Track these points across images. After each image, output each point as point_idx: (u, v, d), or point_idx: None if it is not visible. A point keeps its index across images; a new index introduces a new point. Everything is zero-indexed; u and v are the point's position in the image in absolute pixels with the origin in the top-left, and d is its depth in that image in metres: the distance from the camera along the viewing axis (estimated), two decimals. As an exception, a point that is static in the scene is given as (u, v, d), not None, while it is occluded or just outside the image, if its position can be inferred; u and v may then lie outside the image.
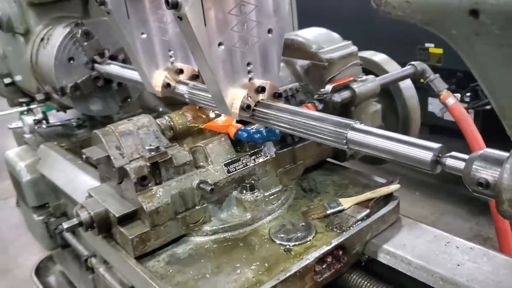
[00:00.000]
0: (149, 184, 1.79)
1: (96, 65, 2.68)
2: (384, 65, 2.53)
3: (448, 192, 5.17)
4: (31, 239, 3.89)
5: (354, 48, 2.21)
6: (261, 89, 1.68)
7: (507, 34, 0.82)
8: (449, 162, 1.19)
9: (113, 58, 2.73)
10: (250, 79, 1.70)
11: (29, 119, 3.18)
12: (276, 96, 1.73)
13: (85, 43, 2.64)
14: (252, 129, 1.93)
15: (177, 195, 1.80)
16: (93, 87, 2.72)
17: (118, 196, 1.92)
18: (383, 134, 1.35)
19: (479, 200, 4.94)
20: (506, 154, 1.06)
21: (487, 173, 1.08)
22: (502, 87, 0.96)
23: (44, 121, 3.25)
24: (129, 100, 2.91)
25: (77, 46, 2.67)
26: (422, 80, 2.53)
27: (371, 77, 2.19)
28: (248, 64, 1.68)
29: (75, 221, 1.86)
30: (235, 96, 1.67)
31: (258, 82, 1.70)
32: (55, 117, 3.54)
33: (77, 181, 2.70)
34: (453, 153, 1.19)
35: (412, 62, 2.36)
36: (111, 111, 2.97)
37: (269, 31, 1.69)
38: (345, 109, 2.18)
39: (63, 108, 3.16)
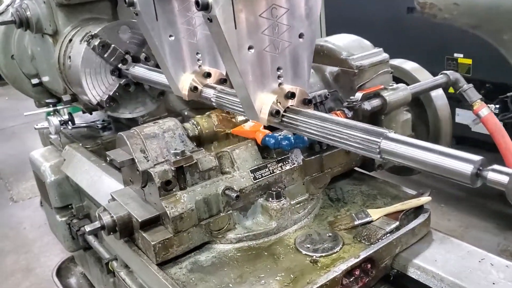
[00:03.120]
0: (173, 189, 1.76)
1: (123, 71, 2.67)
2: (415, 73, 2.46)
3: (475, 205, 5.03)
4: (54, 240, 3.91)
5: (385, 56, 2.16)
6: (291, 95, 1.64)
7: None
8: (491, 176, 1.12)
9: (135, 59, 2.72)
10: (280, 84, 1.65)
11: (55, 120, 3.18)
12: (306, 102, 1.68)
13: (105, 55, 2.63)
14: (279, 135, 1.88)
15: (201, 201, 1.77)
16: (126, 94, 2.74)
17: (141, 200, 1.89)
18: (419, 144, 1.29)
19: (507, 215, 4.82)
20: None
21: (534, 189, 1.01)
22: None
23: (69, 122, 3.25)
24: (163, 95, 2.91)
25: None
26: (451, 90, 2.45)
27: (402, 85, 2.12)
28: (278, 69, 1.64)
29: (97, 224, 1.83)
30: (264, 101, 1.63)
31: (287, 87, 1.65)
32: (81, 119, 3.55)
33: (101, 183, 2.69)
34: (496, 167, 1.12)
35: (445, 71, 2.28)
36: (151, 108, 2.97)
37: (301, 35, 1.64)
38: (375, 117, 2.12)
39: (89, 110, 3.16)
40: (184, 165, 1.75)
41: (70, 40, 2.80)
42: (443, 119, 2.39)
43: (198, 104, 3.74)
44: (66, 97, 3.04)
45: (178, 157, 1.74)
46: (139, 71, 2.58)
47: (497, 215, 4.80)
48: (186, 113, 3.82)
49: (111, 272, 2.53)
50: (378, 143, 1.34)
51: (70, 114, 3.33)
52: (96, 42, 2.62)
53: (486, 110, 2.26)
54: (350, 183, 2.21)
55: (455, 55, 5.08)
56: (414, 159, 1.28)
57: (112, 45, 2.64)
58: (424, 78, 2.41)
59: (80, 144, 3.17)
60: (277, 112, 1.62)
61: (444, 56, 5.13)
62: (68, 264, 4.02)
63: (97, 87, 2.71)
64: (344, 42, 2.20)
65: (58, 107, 3.44)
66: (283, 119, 1.64)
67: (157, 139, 1.83)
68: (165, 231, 1.76)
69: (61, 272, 3.98)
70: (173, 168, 1.74)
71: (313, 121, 1.54)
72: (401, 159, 1.31)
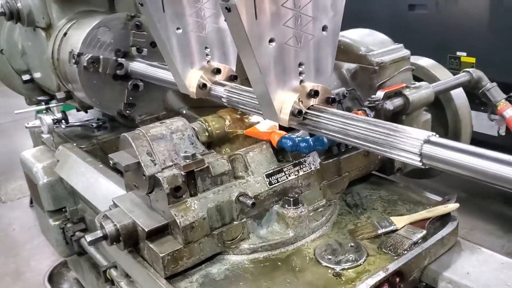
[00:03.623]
0: (183, 196, 1.60)
1: (126, 59, 2.50)
2: (433, 70, 2.33)
3: (478, 207, 4.93)
4: (44, 242, 3.73)
5: (406, 52, 2.02)
6: (314, 93, 1.49)
7: None
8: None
9: (126, 55, 2.57)
10: (301, 81, 1.51)
11: (47, 119, 3.01)
12: (330, 101, 1.54)
13: (100, 70, 2.48)
14: (297, 137, 1.74)
15: (214, 208, 1.62)
16: (111, 72, 2.52)
17: (146, 207, 1.74)
18: (468, 149, 1.15)
19: (510, 217, 4.73)
20: None
21: None
22: None
23: (63, 121, 3.08)
24: (132, 108, 2.74)
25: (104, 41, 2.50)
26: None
27: (424, 83, 1.99)
28: (300, 64, 1.50)
29: (99, 233, 1.68)
30: (285, 100, 1.49)
31: (309, 85, 1.51)
32: (74, 117, 3.39)
33: (98, 186, 2.53)
34: None
35: (467, 69, 2.15)
36: (112, 109, 2.76)
37: (324, 28, 1.50)
38: (395, 118, 1.98)
39: (84, 107, 2.99)
40: (195, 170, 1.60)
41: (65, 34, 2.63)
42: (464, 120, 2.25)
43: (196, 103, 3.59)
44: (60, 95, 2.87)
45: (188, 161, 1.59)
46: (139, 67, 2.42)
47: (500, 217, 4.71)
48: (184, 112, 3.67)
49: (109, 281, 2.37)
50: (419, 148, 1.20)
51: (63, 112, 3.16)
52: (84, 62, 2.45)
53: (511, 111, 2.13)
54: (368, 188, 2.07)
55: (458, 53, 4.97)
56: (461, 166, 1.15)
57: (101, 57, 2.47)
58: (443, 75, 2.27)
59: (75, 144, 3.00)
60: (299, 112, 1.48)
61: (446, 54, 5.02)
62: (60, 269, 3.85)
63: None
64: (362, 37, 2.06)
65: (50, 105, 3.28)
66: (305, 119, 1.50)
67: (164, 140, 1.67)
68: (174, 241, 1.61)
69: (53, 277, 3.80)
70: (183, 173, 1.58)
71: (340, 121, 1.40)
72: (447, 165, 1.18)
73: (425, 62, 2.42)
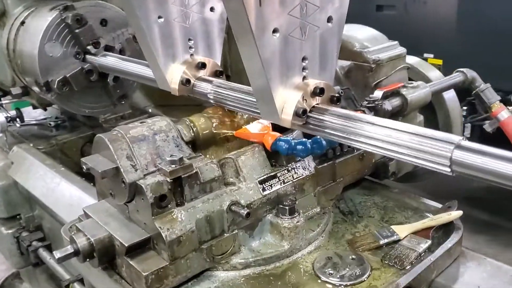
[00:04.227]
0: (169, 205, 1.41)
1: (88, 56, 2.26)
2: (421, 68, 2.22)
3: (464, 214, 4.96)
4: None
5: (402, 49, 1.90)
6: (320, 91, 1.34)
7: None
8: None
9: (108, 49, 2.33)
10: (304, 78, 1.36)
11: (0, 116, 2.73)
12: (334, 100, 1.39)
13: (77, 30, 2.22)
14: (293, 139, 1.58)
15: (203, 219, 1.43)
16: (85, 82, 2.30)
17: (123, 218, 1.54)
18: (505, 155, 1.02)
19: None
20: None
21: None
22: None
23: (18, 119, 2.81)
24: (125, 99, 2.50)
25: (67, 34, 2.25)
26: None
27: (421, 83, 1.87)
28: (303, 59, 1.34)
29: (69, 249, 1.46)
30: (287, 98, 1.32)
31: (313, 82, 1.36)
32: (30, 115, 3.12)
33: (60, 192, 2.31)
34: None
35: (461, 69, 2.05)
36: (105, 110, 2.55)
37: (329, 19, 1.35)
38: (392, 119, 1.85)
39: (43, 105, 2.73)
40: (182, 176, 1.42)
41: (23, 23, 2.37)
42: (455, 123, 2.16)
43: (164, 100, 3.39)
44: (15, 90, 2.60)
45: (175, 166, 1.40)
46: (111, 60, 2.20)
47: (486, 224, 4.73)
48: (150, 110, 3.46)
49: (72, 296, 2.15)
50: (449, 154, 1.06)
51: (18, 109, 2.89)
52: (70, 13, 2.21)
53: (506, 113, 2.05)
54: (360, 193, 1.94)
55: (425, 55, 4.96)
56: (499, 174, 1.02)
57: (89, 22, 2.23)
58: (433, 74, 2.17)
59: (31, 145, 2.74)
60: (304, 112, 1.32)
61: (414, 56, 5.01)
62: (12, 280, 3.53)
63: (53, 67, 2.29)
64: (356, 32, 1.92)
65: (3, 102, 2.99)
66: (309, 120, 1.34)
67: (146, 142, 1.48)
68: (158, 257, 1.42)
69: (4, 289, 3.49)
70: (168, 180, 1.39)
71: (351, 123, 1.25)
72: (481, 173, 1.05)
73: (411, 60, 2.31)
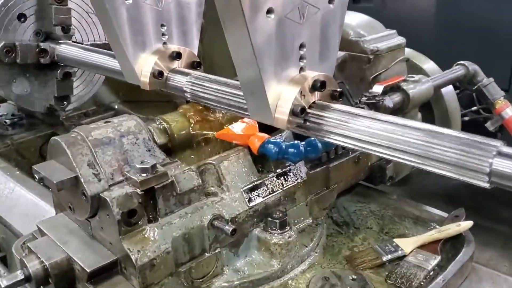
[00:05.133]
0: (140, 222, 1.18)
1: (50, 42, 2.00)
2: (416, 60, 2.03)
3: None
4: None
5: (401, 39, 1.70)
6: (321, 85, 1.12)
7: None
8: None
9: (49, 36, 2.07)
10: (301, 69, 1.14)
11: None
12: (336, 96, 1.18)
13: (18, 60, 1.98)
14: (283, 141, 1.37)
15: (180, 238, 1.21)
16: (34, 60, 2.04)
17: (85, 235, 1.29)
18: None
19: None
20: None
21: None
22: None
23: (-34, 116, 2.51)
24: (65, 103, 2.24)
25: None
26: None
27: (422, 76, 1.68)
28: (301, 46, 1.12)
29: (19, 275, 1.21)
30: (283, 94, 1.11)
31: (311, 74, 1.14)
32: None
33: (14, 199, 2.05)
34: None
35: (462, 62, 1.87)
36: (36, 106, 2.26)
37: (330, 0, 1.14)
38: (391, 116, 1.66)
39: (-4, 99, 2.44)
40: (155, 186, 1.18)
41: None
42: (454, 120, 1.98)
43: (131, 96, 3.13)
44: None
45: (146, 175, 1.17)
46: (69, 51, 1.93)
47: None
48: (116, 107, 3.20)
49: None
50: (489, 162, 0.86)
51: (-33, 106, 2.59)
52: None
53: (510, 111, 1.88)
54: (354, 200, 1.74)
55: (404, 49, 4.84)
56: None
57: (17, 43, 1.97)
58: (429, 67, 1.99)
59: (-19, 146, 2.46)
60: (302, 110, 1.10)
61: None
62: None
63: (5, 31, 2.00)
64: (350, 19, 1.71)
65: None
66: (308, 120, 1.13)
67: (112, 147, 1.24)
68: (126, 283, 1.19)
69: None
70: (139, 192, 1.16)
71: (361, 123, 1.04)
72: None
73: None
